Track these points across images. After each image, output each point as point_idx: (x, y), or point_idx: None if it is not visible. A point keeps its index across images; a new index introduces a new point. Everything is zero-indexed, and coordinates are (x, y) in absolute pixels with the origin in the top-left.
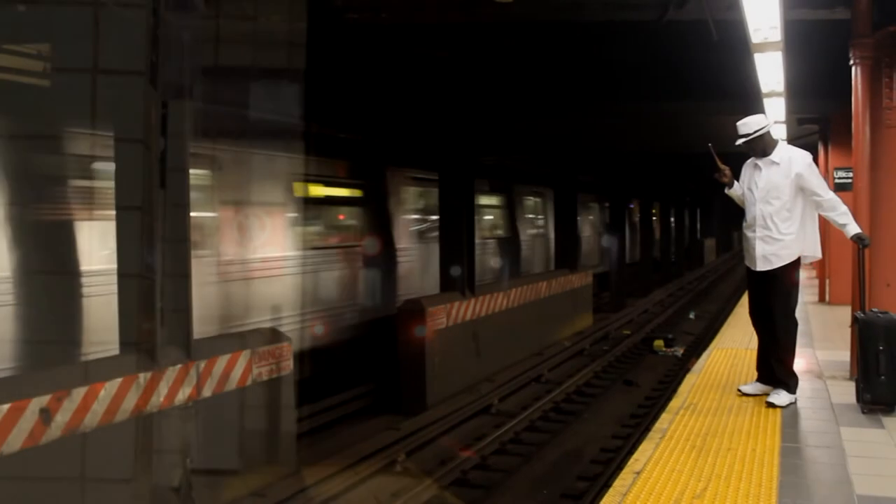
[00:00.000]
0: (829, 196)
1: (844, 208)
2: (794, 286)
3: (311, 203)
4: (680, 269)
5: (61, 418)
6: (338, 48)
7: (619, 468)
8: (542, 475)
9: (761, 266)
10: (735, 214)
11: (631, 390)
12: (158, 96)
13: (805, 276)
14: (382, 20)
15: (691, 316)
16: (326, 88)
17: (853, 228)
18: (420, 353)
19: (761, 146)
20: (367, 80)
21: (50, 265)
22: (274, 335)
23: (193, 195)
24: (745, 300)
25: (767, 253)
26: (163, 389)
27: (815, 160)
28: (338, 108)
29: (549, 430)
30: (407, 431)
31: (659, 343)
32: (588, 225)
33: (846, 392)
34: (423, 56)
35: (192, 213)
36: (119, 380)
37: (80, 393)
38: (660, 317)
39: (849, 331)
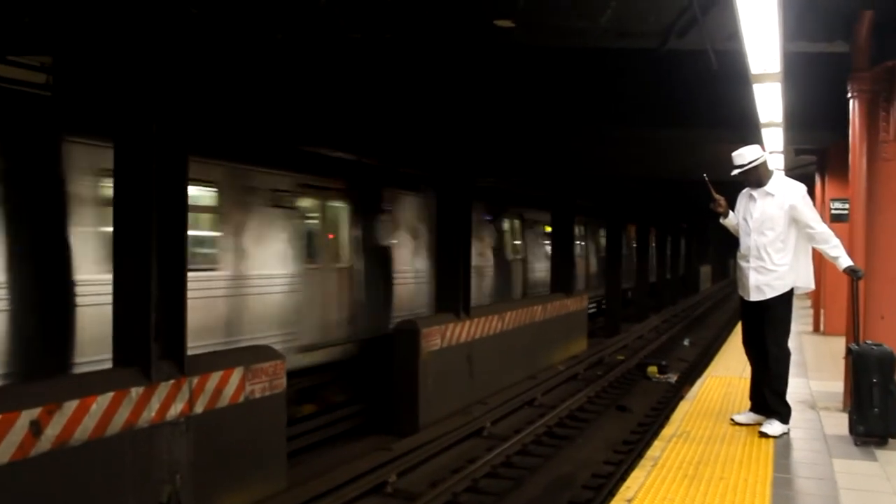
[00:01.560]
0: (822, 229)
1: (836, 241)
2: (787, 316)
3: None
4: (675, 296)
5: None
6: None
7: (611, 495)
8: (534, 500)
9: (754, 296)
10: (731, 242)
11: (624, 416)
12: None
13: (799, 306)
14: (385, 40)
15: (686, 343)
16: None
17: (845, 261)
18: (414, 374)
19: (756, 177)
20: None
21: None
22: (268, 352)
23: None
24: (739, 329)
25: (761, 283)
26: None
27: (812, 191)
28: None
29: (541, 454)
30: (399, 452)
31: (653, 369)
32: (583, 250)
33: (839, 423)
34: (425, 77)
35: None
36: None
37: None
38: (654, 343)
39: (842, 362)
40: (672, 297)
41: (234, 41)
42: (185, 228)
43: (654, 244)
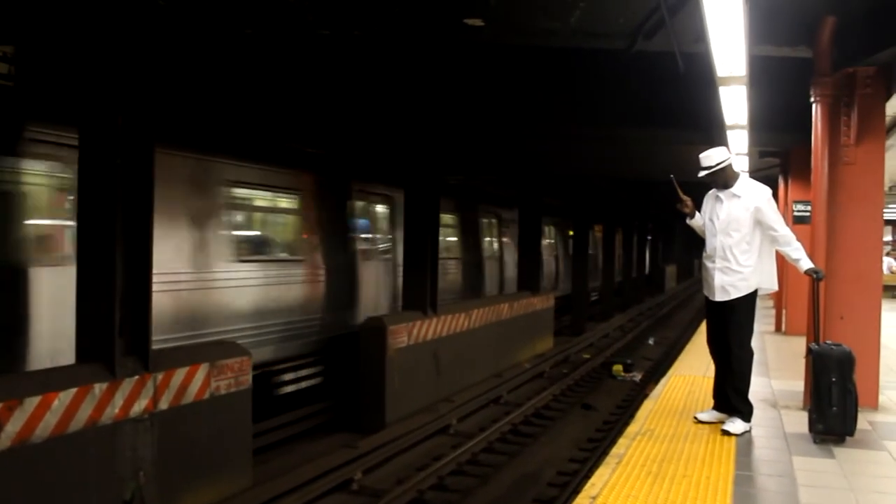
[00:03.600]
0: (784, 231)
1: (798, 244)
2: (751, 317)
3: None
4: (641, 295)
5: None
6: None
7: (576, 492)
8: (499, 497)
9: (719, 296)
10: (696, 242)
11: (589, 414)
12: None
13: (762, 306)
14: (354, 37)
15: (650, 342)
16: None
17: (806, 263)
18: (380, 371)
19: (723, 178)
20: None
21: None
22: (234, 349)
23: None
24: (703, 328)
25: (726, 283)
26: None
27: (776, 192)
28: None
29: (506, 451)
30: (364, 450)
31: (618, 368)
32: (549, 248)
33: (799, 422)
34: (395, 74)
35: None
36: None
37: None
38: (619, 342)
39: (803, 361)
40: (638, 296)
41: (202, 35)
42: (150, 223)
43: (620, 243)
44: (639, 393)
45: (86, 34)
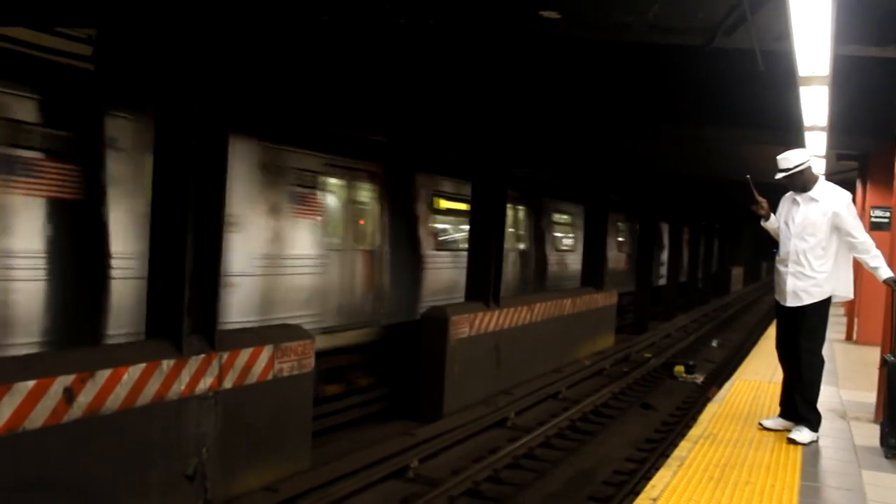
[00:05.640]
0: (864, 238)
1: (877, 252)
2: (823, 324)
3: None
4: (706, 296)
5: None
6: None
7: (633, 492)
8: (554, 492)
9: (791, 301)
10: (765, 244)
11: (648, 414)
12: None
13: (833, 314)
14: (429, 26)
15: (714, 344)
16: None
17: (885, 272)
18: (441, 361)
19: (801, 181)
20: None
21: None
22: (297, 332)
23: None
24: (770, 332)
25: (798, 289)
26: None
27: (853, 197)
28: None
29: (563, 447)
30: (421, 438)
31: (679, 369)
32: (615, 245)
33: (870, 434)
34: (468, 65)
35: None
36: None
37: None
38: (682, 342)
39: (875, 372)
40: (702, 296)
41: (279, 22)
42: (222, 206)
43: (686, 243)
44: (700, 395)
45: (165, 20)
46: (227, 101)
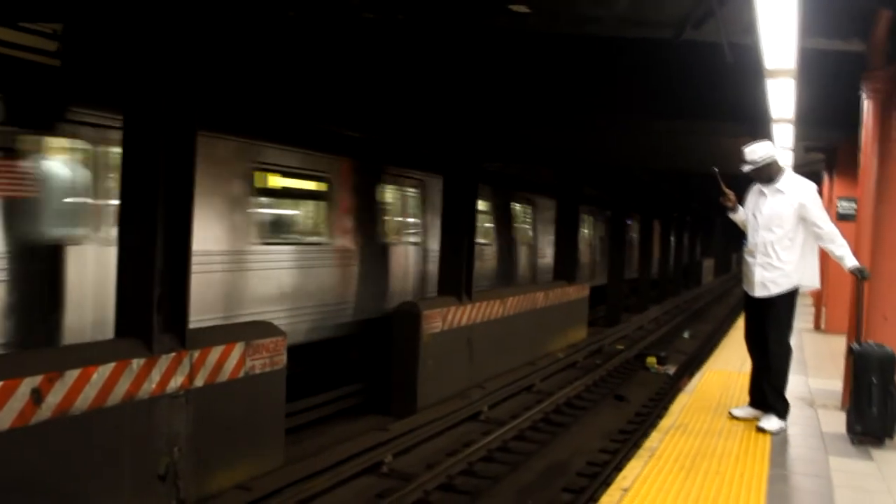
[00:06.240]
0: (829, 228)
1: (843, 241)
2: (791, 314)
3: None
4: (677, 288)
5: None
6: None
7: (606, 483)
8: (528, 484)
9: (759, 292)
10: (735, 236)
11: (621, 406)
12: None
13: (800, 303)
14: (398, 21)
15: (685, 335)
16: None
17: (850, 261)
18: (414, 356)
19: (767, 173)
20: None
21: None
22: (269, 329)
23: None
24: (739, 323)
25: (766, 280)
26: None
27: (820, 189)
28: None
29: (537, 440)
30: (395, 433)
31: (651, 360)
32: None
33: (837, 422)
34: (436, 59)
35: None
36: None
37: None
38: (654, 334)
39: (842, 360)
40: (674, 288)
41: (246, 17)
42: (191, 203)
43: (657, 235)
44: (672, 386)
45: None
46: (196, 96)
